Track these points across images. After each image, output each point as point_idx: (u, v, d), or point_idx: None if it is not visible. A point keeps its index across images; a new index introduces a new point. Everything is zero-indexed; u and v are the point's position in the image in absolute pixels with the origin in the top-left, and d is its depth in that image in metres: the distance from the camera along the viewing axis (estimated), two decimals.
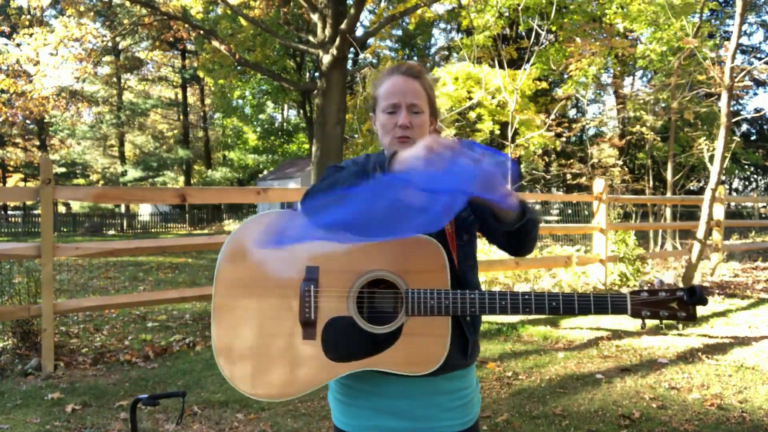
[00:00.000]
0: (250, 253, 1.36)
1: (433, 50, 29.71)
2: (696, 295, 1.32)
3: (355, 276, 1.33)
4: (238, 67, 19.94)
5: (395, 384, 1.38)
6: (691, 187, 15.59)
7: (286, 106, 35.06)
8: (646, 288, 1.39)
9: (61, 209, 36.58)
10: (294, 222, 1.32)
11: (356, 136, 16.34)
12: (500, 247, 1.53)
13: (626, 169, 14.65)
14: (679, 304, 1.34)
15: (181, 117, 35.99)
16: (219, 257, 1.36)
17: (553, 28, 13.13)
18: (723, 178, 14.36)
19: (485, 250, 6.82)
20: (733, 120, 12.02)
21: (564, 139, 13.58)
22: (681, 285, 1.39)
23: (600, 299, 1.34)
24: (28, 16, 16.22)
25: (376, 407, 1.41)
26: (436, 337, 1.32)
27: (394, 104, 1.43)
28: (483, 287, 1.47)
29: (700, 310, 6.28)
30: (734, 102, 22.83)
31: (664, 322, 1.36)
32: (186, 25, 16.05)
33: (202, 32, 16.21)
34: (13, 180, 35.92)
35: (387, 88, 1.46)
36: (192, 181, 35.63)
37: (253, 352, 1.33)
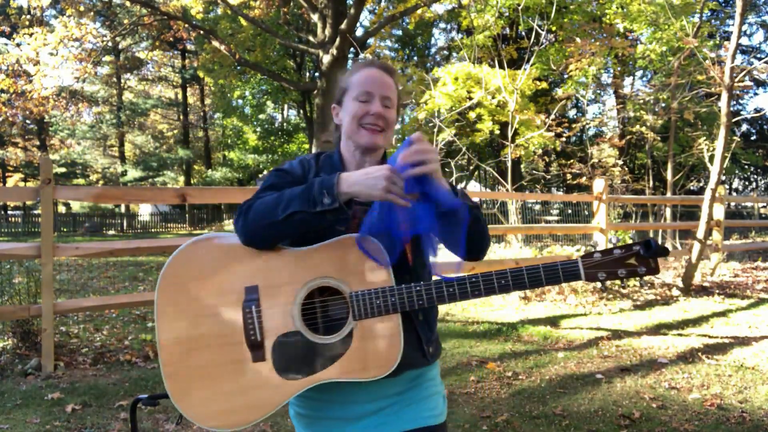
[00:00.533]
0: (187, 283, 1.31)
1: (433, 50, 29.69)
2: (652, 247, 1.27)
3: (296, 288, 1.29)
4: (238, 67, 19.93)
5: (359, 389, 1.35)
6: (691, 187, 15.59)
7: (286, 106, 34.99)
8: (599, 249, 1.37)
9: (61, 209, 36.58)
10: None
11: None
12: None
13: (626, 169, 14.65)
14: (638, 260, 1.29)
15: (181, 117, 35.96)
16: (156, 293, 1.30)
17: (553, 28, 13.14)
18: (723, 178, 14.36)
19: None
20: (733, 120, 12.02)
21: (564, 139, 13.57)
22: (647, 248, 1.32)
23: (550, 269, 1.29)
24: (28, 16, 16.19)
25: (344, 416, 1.37)
26: (388, 338, 1.28)
27: (368, 92, 1.39)
28: None
29: (701, 310, 6.28)
30: (734, 102, 22.84)
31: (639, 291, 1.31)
32: (186, 25, 16.04)
33: (202, 32, 16.21)
34: (13, 180, 35.91)
35: (362, 77, 1.41)
36: (192, 181, 35.62)
37: (206, 384, 1.28)
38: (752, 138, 28.90)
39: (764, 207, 23.35)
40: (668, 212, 12.44)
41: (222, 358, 1.28)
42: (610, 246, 1.31)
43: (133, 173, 33.56)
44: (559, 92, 15.03)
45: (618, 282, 1.37)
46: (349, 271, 1.29)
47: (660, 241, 11.96)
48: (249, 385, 1.28)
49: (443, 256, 1.40)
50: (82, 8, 15.03)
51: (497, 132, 11.83)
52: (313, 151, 14.69)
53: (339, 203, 1.22)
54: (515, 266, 1.35)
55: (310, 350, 1.27)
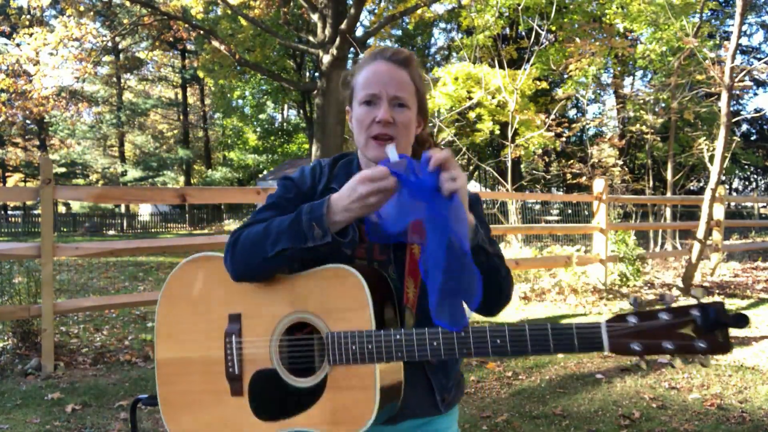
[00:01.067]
0: (181, 304, 1.28)
1: (433, 50, 29.70)
2: (710, 316, 0.89)
3: (276, 320, 1.18)
4: (238, 67, 19.94)
5: None
6: (691, 187, 15.60)
7: (286, 106, 35.03)
8: (637, 310, 0.94)
9: (61, 209, 36.56)
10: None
11: None
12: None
13: (626, 169, 14.65)
14: (696, 331, 0.90)
15: (181, 117, 35.99)
16: (156, 310, 1.29)
17: (553, 28, 13.13)
18: (723, 178, 14.36)
19: None
20: (733, 120, 12.03)
21: (564, 139, 13.57)
22: (700, 300, 0.91)
23: (562, 334, 1.00)
24: (28, 16, 16.19)
25: None
26: (361, 390, 1.10)
27: (373, 94, 1.20)
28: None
29: None
30: (734, 102, 22.84)
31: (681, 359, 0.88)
32: (186, 25, 16.04)
33: (202, 32, 16.21)
34: (13, 180, 35.93)
35: (367, 76, 1.22)
36: (192, 181, 35.65)
37: (190, 410, 1.25)
38: (752, 138, 28.93)
39: (764, 207, 23.37)
40: (668, 212, 12.44)
41: (204, 386, 1.24)
42: (654, 307, 0.94)
43: (133, 173, 33.60)
44: (559, 92, 15.04)
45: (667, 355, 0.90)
46: (330, 308, 1.14)
47: (660, 241, 12.00)
48: (227, 420, 1.21)
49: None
50: (82, 8, 15.03)
51: (497, 132, 11.84)
52: (313, 150, 14.68)
53: (331, 236, 1.09)
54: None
55: (282, 392, 1.16)
